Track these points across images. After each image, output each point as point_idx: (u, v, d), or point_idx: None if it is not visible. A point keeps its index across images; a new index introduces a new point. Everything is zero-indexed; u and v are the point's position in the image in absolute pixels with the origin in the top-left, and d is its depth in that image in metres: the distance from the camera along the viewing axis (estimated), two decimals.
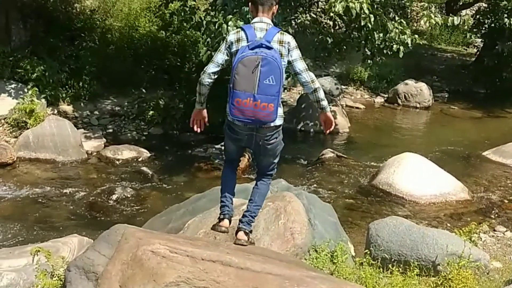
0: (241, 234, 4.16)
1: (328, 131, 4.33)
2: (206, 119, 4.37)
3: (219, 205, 4.38)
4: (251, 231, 4.29)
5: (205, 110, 4.33)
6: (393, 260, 5.40)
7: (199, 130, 4.38)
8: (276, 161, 4.32)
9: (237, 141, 4.21)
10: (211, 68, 4.12)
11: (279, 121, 4.07)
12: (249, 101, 3.89)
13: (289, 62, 4.07)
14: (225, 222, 4.23)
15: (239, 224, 4.24)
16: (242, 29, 4.09)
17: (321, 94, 4.12)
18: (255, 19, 4.15)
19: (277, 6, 4.26)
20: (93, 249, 3.83)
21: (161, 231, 5.15)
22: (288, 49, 4.04)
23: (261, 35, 3.99)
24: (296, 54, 4.08)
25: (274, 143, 4.14)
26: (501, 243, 7.05)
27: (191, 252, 3.46)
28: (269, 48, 3.91)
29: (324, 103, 4.14)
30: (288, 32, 4.89)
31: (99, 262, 3.66)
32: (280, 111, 4.07)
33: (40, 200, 8.22)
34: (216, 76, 4.15)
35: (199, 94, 4.26)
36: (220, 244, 4.21)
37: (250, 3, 4.26)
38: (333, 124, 4.30)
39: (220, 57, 4.10)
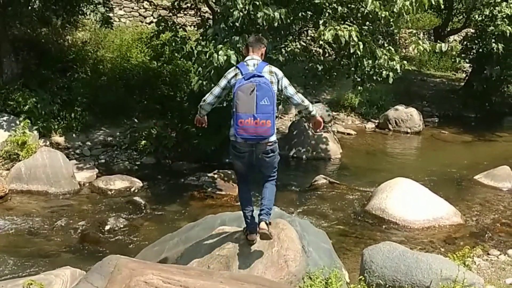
0: (263, 224, 4.89)
1: (318, 130, 5.47)
2: (206, 123, 5.40)
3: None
4: (270, 223, 5.03)
5: (205, 117, 5.35)
6: (387, 286, 5.37)
7: (200, 126, 5.50)
8: (275, 169, 5.11)
9: (241, 158, 4.98)
10: (210, 98, 5.07)
11: (274, 137, 4.89)
12: (250, 120, 4.69)
13: (280, 90, 4.96)
14: (253, 236, 5.05)
15: (259, 217, 4.95)
16: (237, 67, 5.01)
17: (311, 108, 5.12)
18: (247, 57, 5.08)
19: (265, 48, 5.21)
20: (85, 281, 3.81)
21: (154, 261, 5.12)
22: (277, 79, 4.95)
23: (252, 69, 4.89)
24: (285, 81, 5.00)
25: (271, 156, 4.96)
26: (495, 266, 7.04)
27: (184, 282, 3.45)
28: (261, 76, 4.80)
29: (314, 112, 5.15)
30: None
31: None
32: (275, 128, 4.85)
33: (32, 232, 8.16)
34: (213, 106, 5.14)
35: (200, 112, 5.28)
36: (213, 273, 4.19)
37: (245, 46, 5.30)
38: (322, 124, 5.28)
39: (218, 90, 5.03)
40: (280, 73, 4.98)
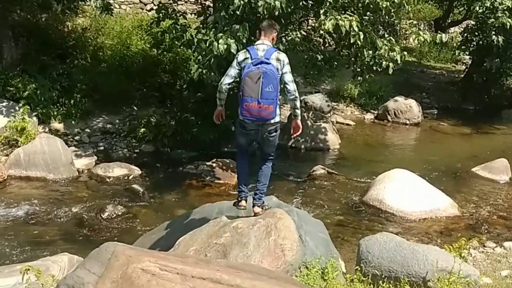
0: (256, 208, 5.47)
1: (295, 135, 5.72)
2: (224, 116, 5.60)
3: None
4: (263, 203, 5.56)
5: (223, 109, 5.53)
6: (383, 276, 5.40)
7: (218, 122, 5.69)
8: (274, 149, 5.59)
9: (247, 135, 5.44)
10: (227, 80, 5.34)
11: (278, 118, 5.32)
12: (255, 104, 5.10)
13: (281, 74, 5.25)
14: (243, 202, 5.55)
15: (253, 201, 5.51)
16: (248, 50, 5.33)
17: (298, 103, 5.39)
18: (258, 42, 5.41)
19: (277, 33, 5.55)
20: (83, 267, 3.82)
21: (151, 249, 5.14)
22: (282, 65, 5.25)
23: (261, 54, 5.21)
24: (286, 68, 5.28)
25: (274, 136, 5.42)
26: (491, 259, 7.08)
27: (181, 270, 3.46)
28: (268, 63, 5.15)
29: (298, 111, 5.45)
30: (279, 49, 5.62)
31: (89, 280, 3.64)
32: (278, 111, 5.29)
33: (30, 218, 8.19)
34: (230, 86, 5.38)
35: (219, 99, 5.45)
36: (210, 261, 4.21)
37: (258, 30, 5.56)
38: (300, 130, 5.57)
39: (233, 71, 5.33)
40: (286, 60, 5.29)
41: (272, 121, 5.27)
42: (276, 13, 8.89)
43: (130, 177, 10.03)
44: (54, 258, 5.72)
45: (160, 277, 3.37)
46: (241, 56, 5.36)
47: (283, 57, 5.30)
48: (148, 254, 3.79)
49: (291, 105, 5.45)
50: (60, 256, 5.79)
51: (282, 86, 5.30)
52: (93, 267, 3.76)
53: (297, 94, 5.33)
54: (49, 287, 4.19)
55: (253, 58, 5.21)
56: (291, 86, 5.29)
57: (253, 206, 5.50)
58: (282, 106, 14.56)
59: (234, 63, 5.35)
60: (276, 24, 5.62)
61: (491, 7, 15.35)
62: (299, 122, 5.52)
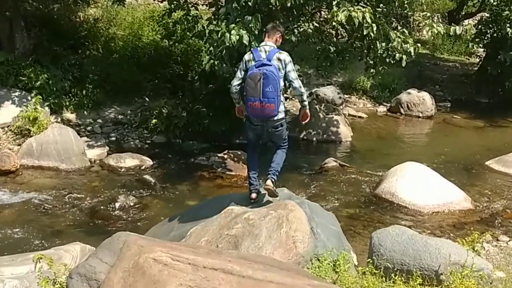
0: (268, 182, 5.74)
1: (303, 122, 6.11)
2: (244, 111, 5.96)
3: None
4: (275, 181, 5.83)
5: (242, 105, 5.91)
6: (395, 269, 5.37)
7: (242, 117, 6.11)
8: (286, 140, 5.96)
9: (254, 130, 5.88)
10: (235, 82, 5.78)
11: (280, 115, 5.68)
12: (257, 103, 5.51)
13: (285, 73, 5.66)
14: (253, 195, 5.87)
15: (267, 176, 5.80)
16: (252, 52, 5.79)
17: (305, 97, 5.83)
18: (262, 43, 5.88)
19: (280, 34, 5.94)
20: (95, 257, 3.83)
21: (163, 239, 5.14)
22: (284, 64, 5.66)
23: (264, 56, 5.65)
24: (289, 67, 5.68)
25: (279, 130, 5.79)
26: (504, 252, 7.02)
27: (193, 260, 3.45)
28: (269, 65, 5.56)
29: (305, 103, 5.88)
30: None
31: (101, 270, 3.66)
32: (282, 107, 5.68)
33: (42, 207, 8.23)
34: (239, 87, 5.75)
35: (234, 99, 5.92)
36: (222, 252, 4.21)
37: (263, 32, 6.07)
38: (309, 117, 6.01)
39: (240, 73, 5.76)
40: (287, 59, 5.68)
41: (275, 118, 5.64)
42: (289, 4, 8.85)
43: (142, 168, 10.05)
44: (67, 247, 5.75)
45: (171, 267, 3.37)
46: (246, 58, 5.80)
47: (284, 56, 5.70)
48: (160, 244, 3.79)
49: (298, 99, 5.91)
50: (72, 246, 5.81)
51: (288, 83, 5.72)
52: (105, 256, 3.78)
53: (302, 90, 5.75)
54: (61, 276, 4.20)
55: (256, 60, 5.65)
56: (296, 83, 5.69)
57: (266, 179, 5.81)
58: (293, 99, 14.60)
59: (241, 65, 5.81)
60: (280, 25, 6.13)
61: None
62: (307, 110, 5.94)
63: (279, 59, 5.66)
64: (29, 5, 12.87)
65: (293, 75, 5.69)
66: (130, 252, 3.55)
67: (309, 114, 6.00)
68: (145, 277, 3.34)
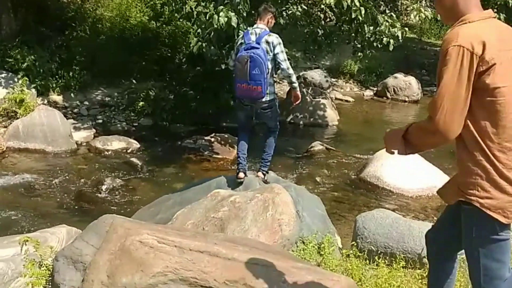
0: (260, 174, 6.22)
1: (295, 103, 6.28)
2: None
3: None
4: (267, 171, 6.30)
5: None
6: (379, 252, 5.44)
7: None
8: (275, 123, 6.19)
9: (243, 111, 6.11)
10: (230, 63, 6.20)
11: (269, 97, 5.87)
12: (245, 85, 5.72)
13: (274, 55, 5.79)
14: (241, 174, 6.10)
15: (259, 167, 6.31)
16: (243, 35, 5.95)
17: (294, 78, 5.96)
18: (254, 25, 6.02)
19: (271, 15, 6.06)
20: (81, 239, 3.85)
21: (149, 222, 5.18)
22: (273, 46, 5.77)
23: (253, 39, 5.80)
24: (278, 48, 5.79)
25: (268, 112, 6.00)
26: None
27: (179, 243, 3.50)
28: (257, 48, 5.70)
29: (295, 84, 6.02)
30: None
31: (87, 252, 3.68)
32: (271, 89, 5.92)
33: (28, 190, 8.21)
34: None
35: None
36: (208, 235, 4.25)
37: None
38: (300, 99, 6.20)
39: (233, 56, 6.03)
40: (276, 41, 5.80)
41: (263, 99, 5.83)
42: None
43: (129, 151, 10.04)
44: (52, 229, 5.74)
45: (158, 249, 3.41)
46: (239, 40, 6.04)
47: (273, 38, 5.81)
48: (146, 226, 3.83)
49: (287, 80, 6.09)
50: (58, 228, 5.81)
51: (276, 65, 5.83)
52: (92, 239, 3.80)
53: (290, 72, 5.89)
54: (47, 259, 4.22)
55: (246, 43, 5.81)
56: (284, 65, 5.83)
57: (258, 171, 6.28)
58: (280, 82, 14.61)
59: (235, 46, 6.09)
60: (272, 6, 6.22)
61: None
62: (298, 92, 6.10)
63: (267, 42, 5.78)
64: None
65: (281, 56, 5.82)
66: (117, 234, 3.58)
67: (299, 95, 6.17)
68: (131, 259, 3.38)
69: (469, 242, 2.67)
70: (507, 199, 2.48)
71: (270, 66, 5.81)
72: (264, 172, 6.26)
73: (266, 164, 6.24)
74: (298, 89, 6.09)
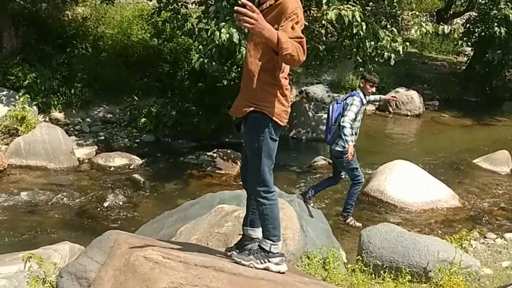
0: None
1: None
2: None
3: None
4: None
5: None
6: (385, 266, 5.42)
7: None
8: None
9: None
10: None
11: None
12: None
13: None
14: None
15: None
16: None
17: None
18: None
19: None
20: (85, 255, 3.81)
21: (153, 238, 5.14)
22: None
23: None
24: None
25: None
26: (492, 250, 7.09)
27: (184, 258, 3.46)
28: None
29: None
30: None
31: (91, 268, 3.64)
32: None
33: (31, 207, 8.18)
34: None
35: None
36: (212, 250, 4.21)
37: None
38: None
39: None
40: None
41: None
42: None
43: (131, 167, 10.02)
44: (55, 246, 5.72)
45: (163, 265, 3.37)
46: None
47: None
48: (150, 242, 3.79)
49: None
50: (61, 245, 5.78)
51: None
52: (96, 255, 3.76)
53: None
54: (51, 275, 4.18)
55: None
56: None
57: None
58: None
59: None
60: None
61: None
62: None
63: None
64: (17, 4, 12.80)
65: None
66: (121, 250, 3.54)
67: None
68: (136, 275, 3.34)
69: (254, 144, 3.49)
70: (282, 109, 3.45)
71: None
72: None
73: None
74: None
